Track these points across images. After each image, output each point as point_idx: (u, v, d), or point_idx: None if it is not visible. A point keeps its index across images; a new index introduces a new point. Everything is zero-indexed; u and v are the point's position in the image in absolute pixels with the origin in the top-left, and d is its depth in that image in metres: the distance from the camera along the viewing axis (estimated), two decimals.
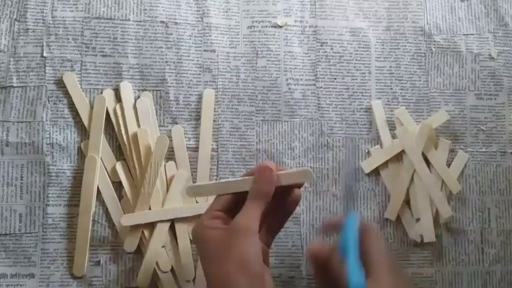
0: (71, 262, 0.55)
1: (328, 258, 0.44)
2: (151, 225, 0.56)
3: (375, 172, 0.59)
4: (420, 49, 0.62)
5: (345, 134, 0.60)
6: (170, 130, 0.58)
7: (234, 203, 0.47)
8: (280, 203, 0.48)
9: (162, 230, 0.55)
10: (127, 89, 0.58)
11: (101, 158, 0.56)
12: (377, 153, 0.59)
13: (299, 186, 0.49)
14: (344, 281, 0.42)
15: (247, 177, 0.47)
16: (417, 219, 0.58)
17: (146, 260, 0.55)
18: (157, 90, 0.59)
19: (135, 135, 0.56)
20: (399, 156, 0.59)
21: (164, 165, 0.57)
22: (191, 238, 0.56)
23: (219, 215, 0.46)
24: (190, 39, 0.60)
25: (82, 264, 0.55)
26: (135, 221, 0.55)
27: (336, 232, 0.48)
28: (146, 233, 0.56)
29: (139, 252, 0.56)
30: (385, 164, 0.59)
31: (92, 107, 0.57)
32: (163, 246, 0.56)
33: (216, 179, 0.58)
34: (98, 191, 0.56)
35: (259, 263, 0.42)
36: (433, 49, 0.62)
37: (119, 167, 0.56)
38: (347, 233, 0.44)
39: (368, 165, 0.59)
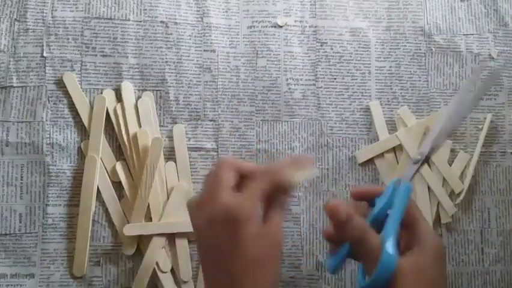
0: (71, 262, 0.55)
1: (348, 219, 0.42)
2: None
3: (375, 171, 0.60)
4: (420, 49, 0.62)
5: (345, 134, 0.60)
6: (170, 130, 0.58)
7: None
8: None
9: (160, 240, 0.56)
10: (128, 89, 0.58)
11: (101, 158, 0.56)
12: (373, 144, 0.60)
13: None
14: (373, 249, 0.40)
15: None
16: None
17: (144, 264, 0.55)
18: (157, 90, 0.59)
19: (135, 136, 0.56)
20: (397, 152, 0.59)
21: (164, 165, 0.57)
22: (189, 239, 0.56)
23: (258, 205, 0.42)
24: (190, 39, 0.60)
25: (82, 264, 0.55)
26: (137, 231, 0.55)
27: (368, 200, 0.46)
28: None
29: (139, 252, 0.56)
30: (382, 159, 0.59)
31: (92, 107, 0.57)
32: (163, 247, 0.56)
33: None
34: (98, 191, 0.56)
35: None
36: (433, 49, 0.62)
37: (119, 167, 0.56)
38: (398, 200, 0.42)
39: (362, 155, 0.59)
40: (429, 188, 0.59)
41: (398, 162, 0.59)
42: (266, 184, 0.41)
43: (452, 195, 0.59)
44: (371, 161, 0.60)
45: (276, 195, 0.42)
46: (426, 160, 0.46)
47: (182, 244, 0.56)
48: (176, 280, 0.56)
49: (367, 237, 0.41)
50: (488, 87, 0.59)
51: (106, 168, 0.56)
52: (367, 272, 0.41)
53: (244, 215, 0.39)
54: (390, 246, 0.40)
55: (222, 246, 0.40)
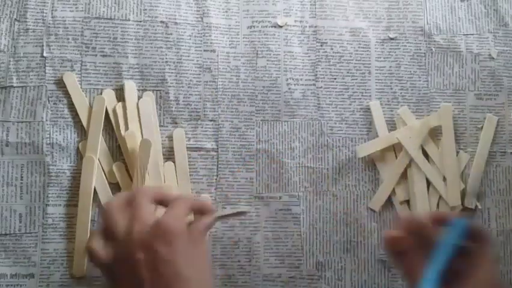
0: (71, 262, 0.55)
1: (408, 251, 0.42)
2: None
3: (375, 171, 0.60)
4: (420, 49, 0.62)
5: (345, 134, 0.60)
6: (170, 130, 0.58)
7: None
8: None
9: None
10: (131, 89, 0.57)
11: (98, 159, 0.56)
12: (374, 140, 0.60)
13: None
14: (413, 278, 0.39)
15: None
16: None
17: None
18: (157, 90, 0.59)
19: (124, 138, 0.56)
20: (397, 152, 0.60)
21: (163, 165, 0.57)
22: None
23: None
24: (190, 39, 0.60)
25: (82, 264, 0.55)
26: None
27: (440, 228, 0.44)
28: None
29: None
30: (382, 159, 0.59)
31: (92, 107, 0.57)
32: None
33: (216, 179, 0.58)
34: (95, 192, 0.56)
35: None
36: (433, 49, 0.62)
37: (116, 168, 0.56)
38: (446, 238, 0.41)
39: (362, 150, 0.59)
40: (428, 188, 0.59)
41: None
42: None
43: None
44: (371, 161, 0.60)
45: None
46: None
47: None
48: None
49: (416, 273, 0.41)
50: None
51: (103, 169, 0.56)
52: None
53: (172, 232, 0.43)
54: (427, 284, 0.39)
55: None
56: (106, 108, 0.57)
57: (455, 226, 0.42)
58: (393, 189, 0.59)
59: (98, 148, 0.56)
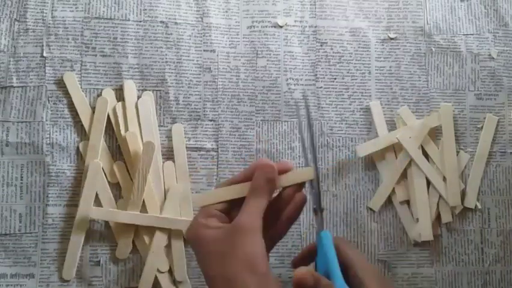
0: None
1: (316, 284, 0.42)
2: (145, 228, 0.56)
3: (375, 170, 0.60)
4: (420, 49, 0.62)
5: (345, 134, 0.60)
6: (170, 130, 0.58)
7: (230, 202, 0.45)
8: (282, 209, 0.46)
9: (162, 237, 0.56)
10: (131, 88, 0.58)
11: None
12: (374, 140, 0.60)
13: (300, 188, 0.46)
14: None
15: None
16: (417, 219, 0.58)
17: (147, 266, 0.55)
18: (157, 90, 0.59)
19: (125, 138, 0.56)
20: (397, 152, 0.60)
21: (163, 165, 0.57)
22: (185, 238, 0.56)
23: (215, 213, 0.43)
24: (190, 39, 0.60)
25: (72, 267, 0.55)
26: (104, 217, 0.56)
27: (311, 260, 0.46)
28: (141, 236, 0.56)
29: (138, 252, 0.56)
30: (382, 159, 0.59)
31: (92, 107, 0.57)
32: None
33: (216, 179, 0.58)
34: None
35: (266, 262, 0.40)
36: (433, 49, 0.62)
37: (116, 168, 0.56)
38: (325, 253, 0.42)
39: (362, 149, 0.59)
40: (428, 188, 0.59)
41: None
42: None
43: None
44: (371, 161, 0.60)
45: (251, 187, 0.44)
46: (321, 210, 0.46)
47: (177, 245, 0.56)
48: (175, 280, 0.56)
49: None
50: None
51: (103, 170, 0.56)
52: None
53: (195, 235, 0.42)
54: None
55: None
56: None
57: (325, 238, 0.43)
58: (393, 189, 0.59)
59: (99, 151, 0.56)
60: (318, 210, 0.45)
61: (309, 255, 0.46)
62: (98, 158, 0.56)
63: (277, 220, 0.45)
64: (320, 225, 0.45)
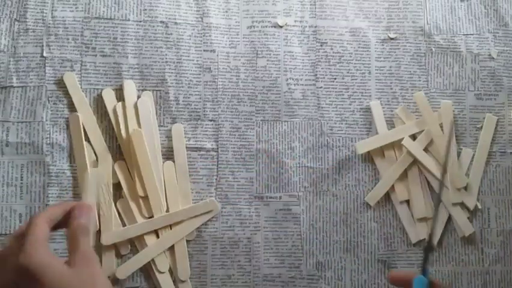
0: None
1: None
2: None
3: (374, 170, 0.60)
4: (420, 49, 0.62)
5: (345, 134, 0.60)
6: (170, 130, 0.58)
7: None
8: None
9: (166, 238, 0.56)
10: (130, 87, 0.58)
11: (97, 159, 0.56)
12: (373, 137, 0.60)
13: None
14: None
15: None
16: (419, 219, 0.58)
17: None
18: (157, 90, 0.59)
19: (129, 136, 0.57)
20: (397, 151, 0.60)
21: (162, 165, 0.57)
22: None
23: (47, 243, 0.38)
24: (190, 39, 0.60)
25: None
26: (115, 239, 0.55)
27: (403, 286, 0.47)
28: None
29: (137, 252, 0.56)
30: (382, 158, 0.59)
31: (91, 107, 0.57)
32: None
33: (216, 179, 0.58)
34: None
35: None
36: (433, 49, 0.62)
37: (117, 168, 0.56)
38: None
39: (362, 146, 0.59)
40: (430, 188, 0.59)
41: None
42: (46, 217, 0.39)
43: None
44: (371, 161, 0.60)
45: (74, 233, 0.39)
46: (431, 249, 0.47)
47: (180, 243, 0.56)
48: (175, 280, 0.56)
49: None
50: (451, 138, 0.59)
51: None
52: None
53: (32, 268, 0.35)
54: None
55: None
56: (106, 108, 0.57)
57: (419, 284, 0.44)
58: (393, 188, 0.59)
59: (88, 167, 0.56)
60: (429, 249, 0.46)
61: (407, 281, 0.46)
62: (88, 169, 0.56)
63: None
64: (423, 265, 0.45)
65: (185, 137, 0.58)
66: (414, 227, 0.58)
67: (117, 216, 0.56)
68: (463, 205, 0.59)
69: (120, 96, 0.58)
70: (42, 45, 0.58)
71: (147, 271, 0.56)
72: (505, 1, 0.63)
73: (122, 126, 0.57)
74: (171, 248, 0.56)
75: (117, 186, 0.56)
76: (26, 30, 0.58)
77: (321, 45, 0.61)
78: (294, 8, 0.61)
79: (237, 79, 0.60)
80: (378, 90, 0.61)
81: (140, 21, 0.59)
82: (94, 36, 0.59)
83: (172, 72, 0.59)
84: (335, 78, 0.61)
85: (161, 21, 0.60)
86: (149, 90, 0.58)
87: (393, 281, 0.46)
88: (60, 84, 0.58)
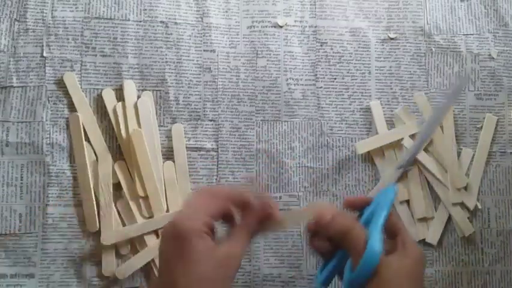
0: (71, 262, 0.55)
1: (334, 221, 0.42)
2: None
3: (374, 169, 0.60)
4: (420, 49, 0.62)
5: (345, 134, 0.60)
6: (170, 130, 0.58)
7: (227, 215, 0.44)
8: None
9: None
10: (130, 88, 0.58)
11: (97, 159, 0.56)
12: (374, 137, 0.60)
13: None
14: (358, 242, 0.40)
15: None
16: (419, 219, 0.58)
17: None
18: (157, 90, 0.59)
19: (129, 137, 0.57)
20: (397, 151, 0.60)
21: (163, 165, 0.57)
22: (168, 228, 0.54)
23: (211, 224, 0.41)
24: (190, 39, 0.60)
25: (94, 219, 0.55)
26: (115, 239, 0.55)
27: (359, 209, 0.46)
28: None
29: (138, 252, 0.56)
30: (382, 158, 0.59)
31: (91, 107, 0.57)
32: None
33: (216, 179, 0.58)
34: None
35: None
36: (433, 49, 0.62)
37: (117, 167, 0.56)
38: (383, 200, 0.43)
39: (362, 146, 0.59)
40: (431, 188, 0.59)
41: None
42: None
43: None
44: (371, 161, 0.60)
45: (248, 220, 0.43)
46: (407, 168, 0.47)
47: None
48: None
49: (353, 230, 0.41)
50: (458, 94, 0.59)
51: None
52: (353, 267, 0.41)
53: (190, 231, 0.39)
54: (375, 241, 0.40)
55: (170, 262, 0.39)
56: (106, 108, 0.57)
57: (387, 190, 0.44)
58: None
59: (88, 170, 0.56)
60: (403, 167, 0.46)
61: (362, 205, 0.46)
62: (88, 166, 0.56)
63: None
64: (394, 179, 0.45)
65: (185, 137, 0.58)
66: (414, 227, 0.58)
67: (117, 216, 0.56)
68: (463, 205, 0.59)
69: (120, 96, 0.58)
70: (42, 45, 0.58)
71: (147, 271, 0.56)
72: (505, 1, 0.63)
73: (122, 126, 0.57)
74: None
75: (117, 186, 0.56)
76: (26, 30, 0.58)
77: (321, 45, 0.61)
78: (294, 8, 0.61)
79: (237, 79, 0.60)
80: (378, 90, 0.61)
81: (140, 21, 0.59)
82: (94, 36, 0.59)
83: (172, 72, 0.59)
84: (335, 78, 0.61)
85: (161, 21, 0.60)
86: (149, 90, 0.58)
87: (349, 204, 0.46)
88: (60, 84, 0.58)
